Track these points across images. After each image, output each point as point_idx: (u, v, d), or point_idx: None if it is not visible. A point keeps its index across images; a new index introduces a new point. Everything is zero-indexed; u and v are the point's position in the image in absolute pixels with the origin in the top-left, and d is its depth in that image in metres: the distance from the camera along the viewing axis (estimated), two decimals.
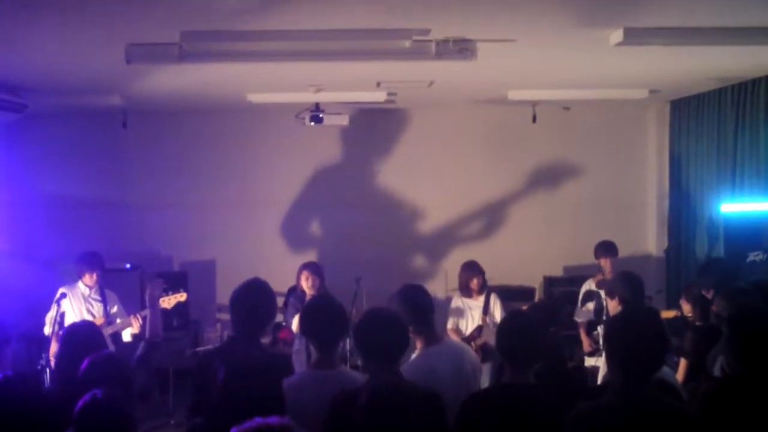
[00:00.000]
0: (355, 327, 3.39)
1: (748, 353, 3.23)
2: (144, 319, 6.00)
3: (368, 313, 3.46)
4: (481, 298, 6.70)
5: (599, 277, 6.79)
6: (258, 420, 2.23)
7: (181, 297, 6.50)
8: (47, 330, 6.23)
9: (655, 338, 2.89)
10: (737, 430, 3.10)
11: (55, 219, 8.40)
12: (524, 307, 6.35)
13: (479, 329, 6.54)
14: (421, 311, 3.78)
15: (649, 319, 2.99)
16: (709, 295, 5.27)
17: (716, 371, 4.18)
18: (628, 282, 4.47)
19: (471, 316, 6.66)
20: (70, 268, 6.71)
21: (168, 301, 6.43)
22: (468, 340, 6.51)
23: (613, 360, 2.94)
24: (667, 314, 5.94)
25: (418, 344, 3.80)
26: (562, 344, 4.45)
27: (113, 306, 6.53)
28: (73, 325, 4.40)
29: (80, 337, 3.92)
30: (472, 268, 6.74)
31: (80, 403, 2.98)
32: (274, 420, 2.24)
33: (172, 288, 6.53)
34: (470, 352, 4.12)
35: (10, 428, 2.91)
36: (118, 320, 6.38)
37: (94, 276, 6.46)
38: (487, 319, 6.55)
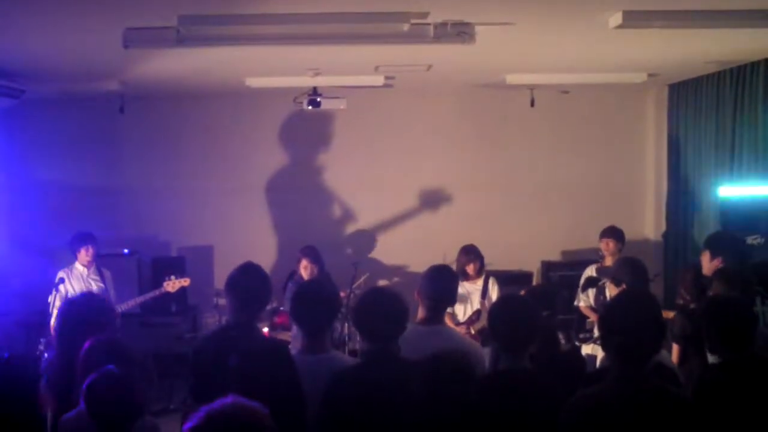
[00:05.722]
0: (354, 306, 3.44)
1: (729, 339, 3.39)
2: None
3: (366, 293, 3.50)
4: (480, 282, 6.70)
5: (599, 264, 6.79)
6: (205, 409, 2.05)
7: (185, 282, 6.90)
8: (54, 322, 6.24)
9: (650, 323, 2.87)
10: (731, 413, 3.12)
11: (53, 205, 8.38)
12: (522, 292, 6.38)
13: (477, 313, 6.55)
14: (441, 297, 3.90)
15: (644, 304, 2.96)
16: (714, 263, 5.16)
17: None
18: (633, 268, 4.49)
19: (470, 300, 6.68)
20: (67, 254, 6.72)
21: (172, 285, 6.79)
22: (466, 324, 6.53)
23: (608, 346, 2.93)
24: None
25: (420, 315, 3.87)
26: (558, 328, 4.46)
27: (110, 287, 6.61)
28: (72, 298, 4.39)
29: (79, 309, 3.89)
30: (469, 253, 6.74)
31: (90, 378, 2.97)
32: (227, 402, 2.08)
33: (175, 273, 6.92)
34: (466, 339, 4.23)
35: (11, 409, 2.92)
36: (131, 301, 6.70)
37: (90, 250, 6.50)
38: (486, 303, 6.56)
